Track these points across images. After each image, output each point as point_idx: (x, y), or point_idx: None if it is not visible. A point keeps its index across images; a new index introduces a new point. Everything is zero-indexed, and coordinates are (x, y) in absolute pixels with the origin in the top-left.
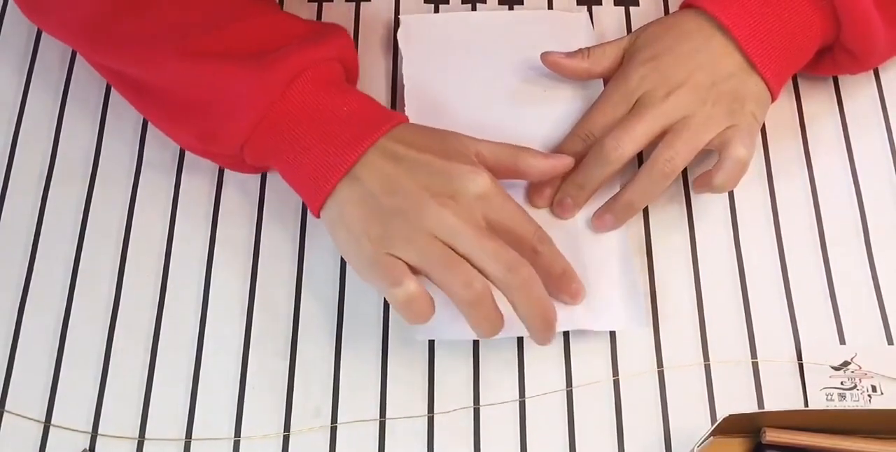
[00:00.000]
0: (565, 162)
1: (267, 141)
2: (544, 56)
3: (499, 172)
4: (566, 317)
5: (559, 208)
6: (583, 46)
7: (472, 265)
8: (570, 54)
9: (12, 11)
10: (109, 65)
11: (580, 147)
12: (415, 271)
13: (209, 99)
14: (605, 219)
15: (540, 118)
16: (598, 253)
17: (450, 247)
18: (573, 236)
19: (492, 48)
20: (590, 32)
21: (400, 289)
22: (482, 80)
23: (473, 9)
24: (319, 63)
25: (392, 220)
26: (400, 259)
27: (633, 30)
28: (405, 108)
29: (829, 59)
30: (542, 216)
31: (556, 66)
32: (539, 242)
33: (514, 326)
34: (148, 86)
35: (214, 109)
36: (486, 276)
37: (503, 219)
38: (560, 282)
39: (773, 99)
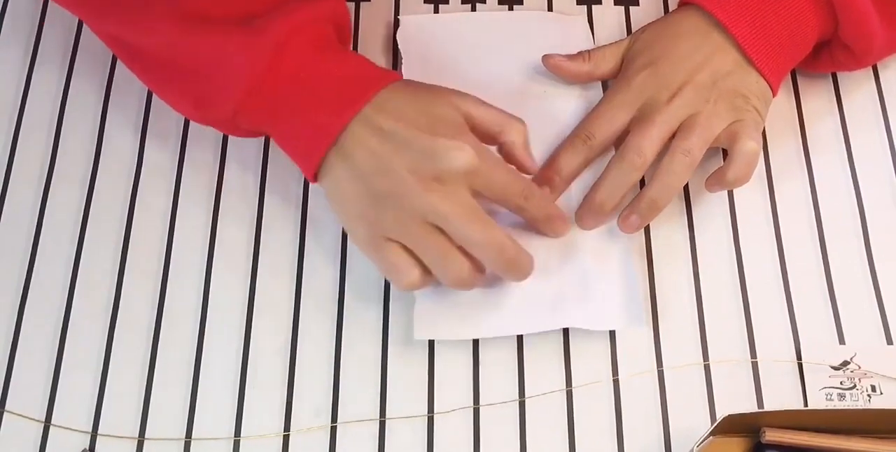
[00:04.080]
0: (531, 175)
1: (259, 108)
2: (546, 59)
3: (482, 138)
4: (565, 316)
5: (582, 221)
6: (581, 48)
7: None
8: (571, 57)
9: (13, 11)
10: (109, 31)
11: (581, 148)
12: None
13: (201, 65)
14: (631, 219)
15: (540, 118)
16: (597, 253)
17: (441, 230)
18: (572, 236)
19: (491, 49)
20: (588, 34)
21: (404, 279)
22: (481, 81)
23: (473, 9)
24: (308, 25)
25: (385, 203)
26: (397, 241)
27: (632, 29)
28: None
29: (827, 55)
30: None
31: (557, 69)
32: (525, 199)
33: (513, 325)
34: (144, 52)
35: (207, 76)
36: (477, 257)
37: (490, 188)
38: (545, 226)
39: (773, 94)
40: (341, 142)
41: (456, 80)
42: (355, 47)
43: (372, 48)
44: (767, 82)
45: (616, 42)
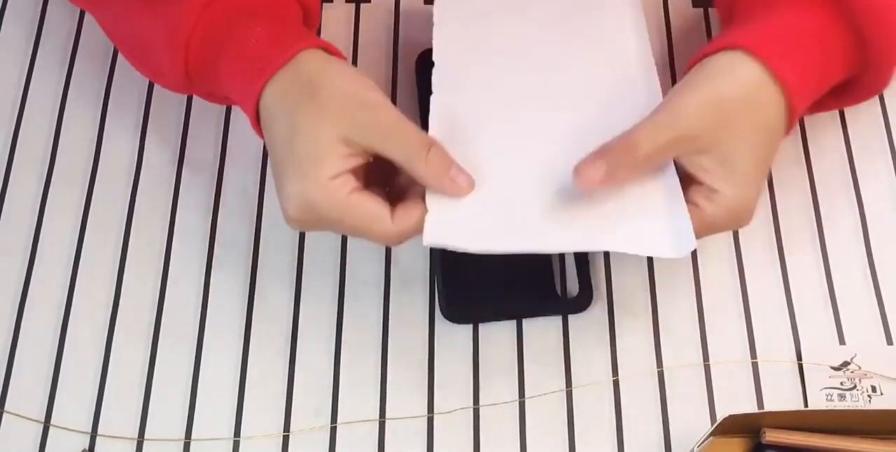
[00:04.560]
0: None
1: (199, 78)
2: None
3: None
4: (608, 238)
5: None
6: (624, 14)
7: None
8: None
9: (12, 11)
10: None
11: None
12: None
13: (143, 39)
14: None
15: (574, 91)
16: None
17: None
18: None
19: (528, 17)
20: (639, 13)
21: None
22: (515, 50)
23: None
24: None
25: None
26: None
27: None
28: (433, 79)
29: (833, 97)
30: (571, 147)
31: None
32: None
33: (538, 241)
34: (108, 30)
35: (151, 49)
36: None
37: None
38: None
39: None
40: (261, 104)
41: (489, 51)
42: (356, 47)
43: (372, 48)
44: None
45: (657, 125)
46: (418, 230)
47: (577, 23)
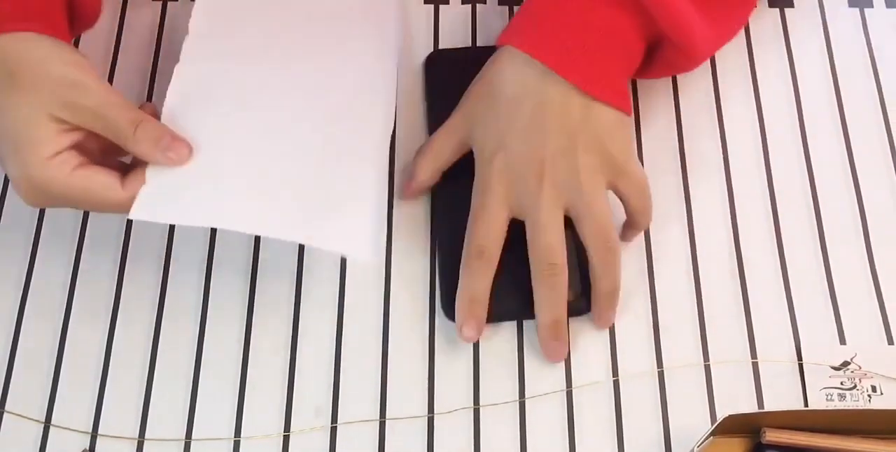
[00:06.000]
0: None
1: None
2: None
3: None
4: (308, 231)
5: (545, 352)
6: (384, 11)
7: None
8: (415, 166)
9: None
10: None
11: (480, 266)
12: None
13: None
14: (607, 316)
15: (312, 87)
16: (354, 177)
17: None
18: (328, 153)
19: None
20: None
21: None
22: (268, 39)
23: (473, 9)
24: None
25: None
26: None
27: None
28: (183, 50)
29: (661, 58)
30: (283, 125)
31: (417, 191)
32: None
33: (251, 222)
34: None
35: None
36: None
37: None
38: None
39: (629, 112)
40: None
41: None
42: None
43: None
44: (613, 106)
45: (449, 128)
46: None
47: (330, 25)
